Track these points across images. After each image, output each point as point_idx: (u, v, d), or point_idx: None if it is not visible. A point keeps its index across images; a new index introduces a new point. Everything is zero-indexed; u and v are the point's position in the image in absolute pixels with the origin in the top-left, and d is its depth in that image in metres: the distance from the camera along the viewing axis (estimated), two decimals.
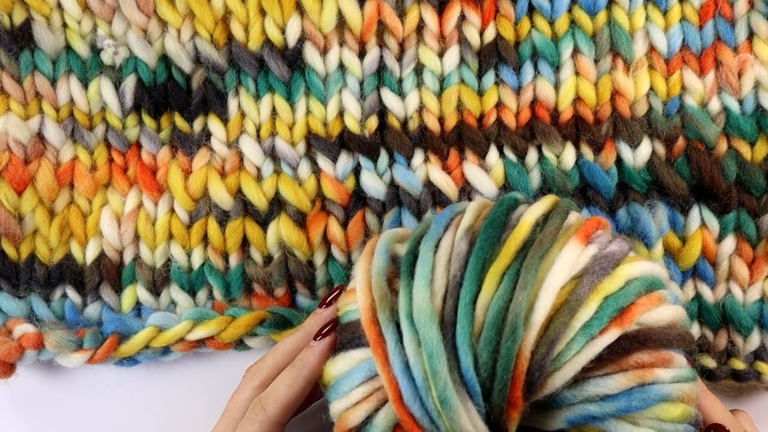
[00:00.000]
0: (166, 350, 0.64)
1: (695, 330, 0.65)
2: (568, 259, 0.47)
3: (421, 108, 0.65)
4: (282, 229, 0.65)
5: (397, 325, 0.47)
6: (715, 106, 0.65)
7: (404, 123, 0.65)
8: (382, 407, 0.48)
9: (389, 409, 0.47)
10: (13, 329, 0.62)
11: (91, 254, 0.65)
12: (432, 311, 0.46)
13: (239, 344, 0.65)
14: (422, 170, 0.65)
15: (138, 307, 0.66)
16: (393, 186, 0.65)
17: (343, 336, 0.51)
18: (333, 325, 0.54)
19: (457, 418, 0.45)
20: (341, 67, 0.65)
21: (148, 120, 0.65)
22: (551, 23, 0.65)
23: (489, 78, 0.65)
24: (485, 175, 0.65)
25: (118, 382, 0.67)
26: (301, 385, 0.54)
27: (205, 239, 0.65)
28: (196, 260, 0.65)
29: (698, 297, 0.65)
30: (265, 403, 0.55)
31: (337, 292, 0.56)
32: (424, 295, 0.47)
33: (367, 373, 0.49)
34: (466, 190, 0.65)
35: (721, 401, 0.56)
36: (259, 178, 0.65)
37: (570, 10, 0.65)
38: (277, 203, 0.65)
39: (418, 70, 0.65)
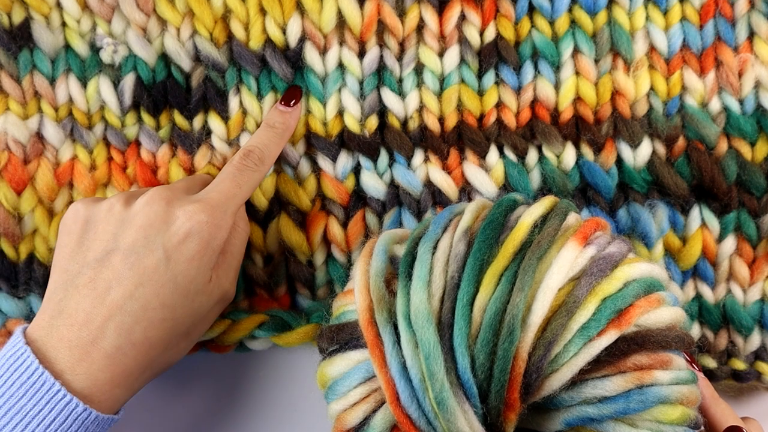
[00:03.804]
0: None
1: (696, 330, 0.65)
2: (566, 260, 0.47)
3: (421, 108, 0.65)
4: (282, 228, 0.65)
5: (395, 327, 0.47)
6: (715, 105, 0.65)
7: (404, 123, 0.65)
8: (379, 408, 0.48)
9: (387, 411, 0.47)
10: (13, 330, 0.62)
11: None
12: (429, 313, 0.46)
13: (239, 346, 0.65)
14: (422, 170, 0.65)
15: None
16: (393, 186, 0.65)
17: (340, 336, 0.51)
18: (300, 94, 0.63)
19: (454, 419, 0.44)
20: (341, 66, 0.65)
21: (147, 118, 0.65)
22: (551, 23, 0.65)
23: (489, 78, 0.65)
24: (485, 175, 0.65)
25: None
26: (282, 147, 0.62)
27: None
28: None
29: (698, 297, 0.65)
30: (262, 156, 0.58)
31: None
32: (422, 297, 0.47)
33: (365, 374, 0.49)
34: (466, 190, 0.65)
35: (720, 398, 0.56)
36: None
37: (570, 10, 0.65)
38: (277, 203, 0.65)
39: (418, 69, 0.65)
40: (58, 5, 0.64)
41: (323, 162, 0.65)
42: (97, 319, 0.50)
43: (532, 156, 0.65)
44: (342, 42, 0.65)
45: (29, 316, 0.64)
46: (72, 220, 0.54)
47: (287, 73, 0.65)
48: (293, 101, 0.63)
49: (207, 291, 0.54)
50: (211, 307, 0.55)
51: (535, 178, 0.65)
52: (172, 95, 0.65)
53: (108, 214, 0.53)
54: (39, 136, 0.65)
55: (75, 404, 0.47)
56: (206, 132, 0.65)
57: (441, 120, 0.65)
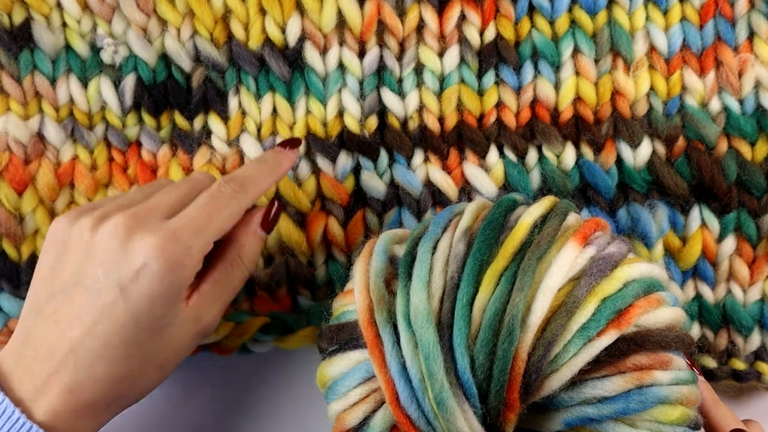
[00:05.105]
0: None
1: (696, 330, 0.65)
2: (566, 260, 0.47)
3: (421, 108, 0.65)
4: (282, 229, 0.65)
5: (395, 327, 0.47)
6: (715, 105, 0.65)
7: (404, 123, 0.65)
8: (379, 408, 0.48)
9: (386, 411, 0.47)
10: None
11: None
12: (429, 313, 0.46)
13: (241, 348, 0.65)
14: (422, 170, 0.65)
15: None
16: (393, 186, 0.65)
17: (340, 337, 0.51)
18: (298, 143, 0.60)
19: (454, 420, 0.44)
20: (341, 66, 0.65)
21: (147, 118, 0.65)
22: (551, 23, 0.65)
23: (489, 78, 0.65)
24: (485, 175, 0.65)
25: None
26: (271, 186, 0.57)
27: None
28: None
29: (698, 297, 0.65)
30: (245, 184, 0.53)
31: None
32: (422, 297, 0.46)
33: (365, 374, 0.48)
34: (466, 190, 0.65)
35: (721, 401, 0.56)
36: None
37: (570, 10, 0.65)
38: None
39: (418, 69, 0.65)
40: (59, 5, 0.64)
41: (323, 162, 0.65)
42: (58, 354, 0.48)
43: (532, 156, 0.65)
44: (342, 42, 0.65)
45: None
46: (51, 239, 0.52)
47: (285, 72, 0.65)
48: (291, 147, 0.60)
49: (179, 323, 0.51)
50: (187, 338, 0.52)
51: (535, 178, 0.65)
52: (173, 96, 0.65)
53: (77, 241, 0.51)
54: (40, 137, 0.65)
55: None
56: (206, 132, 0.65)
57: (441, 120, 0.65)
